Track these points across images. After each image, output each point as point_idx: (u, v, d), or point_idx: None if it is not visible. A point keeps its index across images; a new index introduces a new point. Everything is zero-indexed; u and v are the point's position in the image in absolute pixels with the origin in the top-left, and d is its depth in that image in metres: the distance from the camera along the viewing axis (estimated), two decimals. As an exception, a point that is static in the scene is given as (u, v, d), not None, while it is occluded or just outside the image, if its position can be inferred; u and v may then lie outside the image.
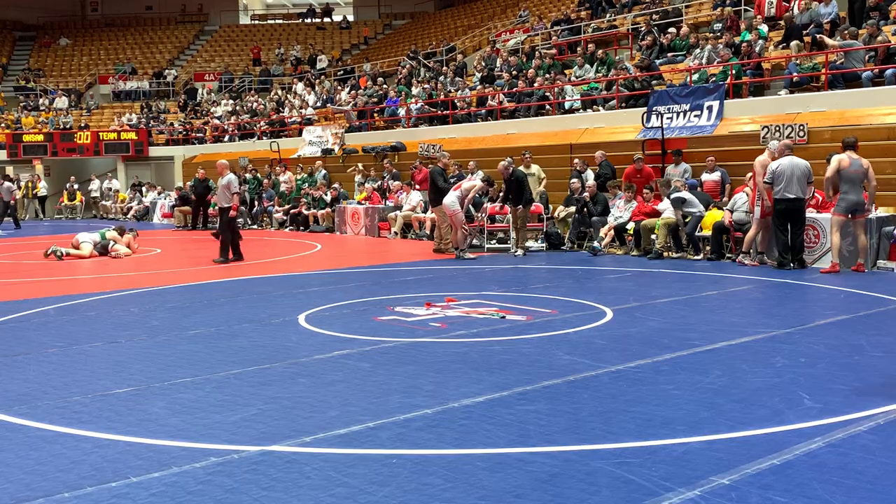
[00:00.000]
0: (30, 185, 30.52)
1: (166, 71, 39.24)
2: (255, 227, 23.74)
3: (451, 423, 4.89)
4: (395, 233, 18.87)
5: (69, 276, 12.97)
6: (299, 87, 32.63)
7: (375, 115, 26.24)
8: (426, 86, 25.25)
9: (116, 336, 7.78)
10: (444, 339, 7.36)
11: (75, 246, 15.66)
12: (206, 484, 3.98)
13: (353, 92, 28.68)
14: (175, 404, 5.38)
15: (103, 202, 31.18)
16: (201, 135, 32.92)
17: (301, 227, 22.40)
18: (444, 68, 27.06)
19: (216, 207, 15.99)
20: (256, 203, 23.98)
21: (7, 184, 26.86)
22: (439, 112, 23.26)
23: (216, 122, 33.44)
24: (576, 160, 16.85)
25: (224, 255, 14.05)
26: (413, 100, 24.74)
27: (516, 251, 14.74)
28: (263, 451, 4.44)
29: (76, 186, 31.36)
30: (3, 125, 33.59)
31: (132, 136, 32.84)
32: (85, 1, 45.02)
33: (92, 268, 14.09)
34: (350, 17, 44.47)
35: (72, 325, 8.47)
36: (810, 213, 12.14)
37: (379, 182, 21.42)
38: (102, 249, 15.76)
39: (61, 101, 36.08)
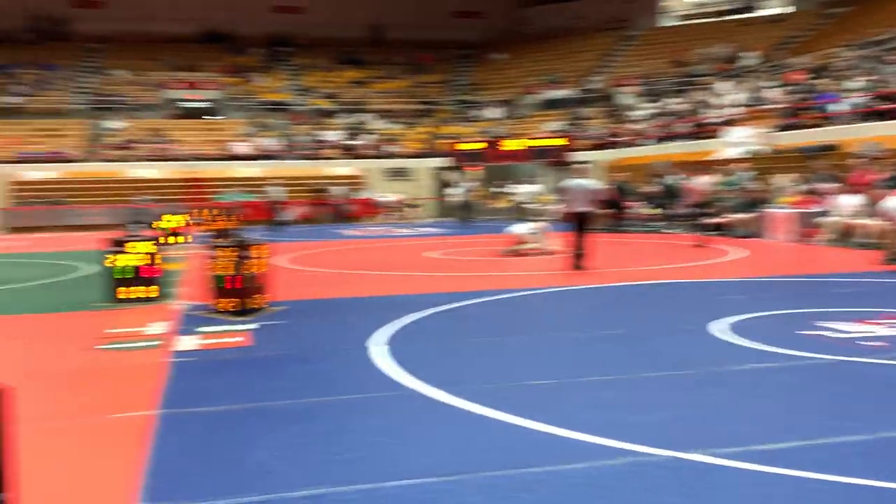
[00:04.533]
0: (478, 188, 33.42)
1: (589, 78, 40.65)
2: (668, 231, 23.55)
3: (886, 453, 4.39)
4: (827, 239, 17.41)
5: (507, 272, 14.01)
6: (722, 86, 31.65)
7: (806, 112, 24.45)
8: (867, 78, 22.89)
9: (538, 330, 8.22)
10: (879, 361, 6.62)
11: (518, 241, 16.75)
12: (620, 482, 4.06)
13: (782, 89, 27.07)
14: (591, 401, 5.56)
15: (527, 205, 33.22)
16: (621, 139, 33.55)
17: (718, 232, 21.68)
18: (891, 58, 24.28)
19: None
20: (671, 207, 23.75)
21: (463, 184, 29.74)
22: (883, 107, 20.93)
23: (636, 126, 33.82)
24: None
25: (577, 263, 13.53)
26: (851, 94, 22.59)
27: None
28: (676, 457, 4.40)
29: (504, 190, 33.85)
30: (446, 136, 37.54)
31: (557, 142, 34.55)
32: (522, 17, 48.37)
33: (527, 265, 15.02)
34: (783, 10, 41.94)
35: (502, 317, 9.11)
36: None
37: (809, 185, 19.93)
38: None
39: (494, 112, 39.28)
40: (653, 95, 36.64)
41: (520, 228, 17.13)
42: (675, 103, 33.43)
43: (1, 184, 32.46)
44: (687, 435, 4.76)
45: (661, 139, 31.18)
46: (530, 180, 34.41)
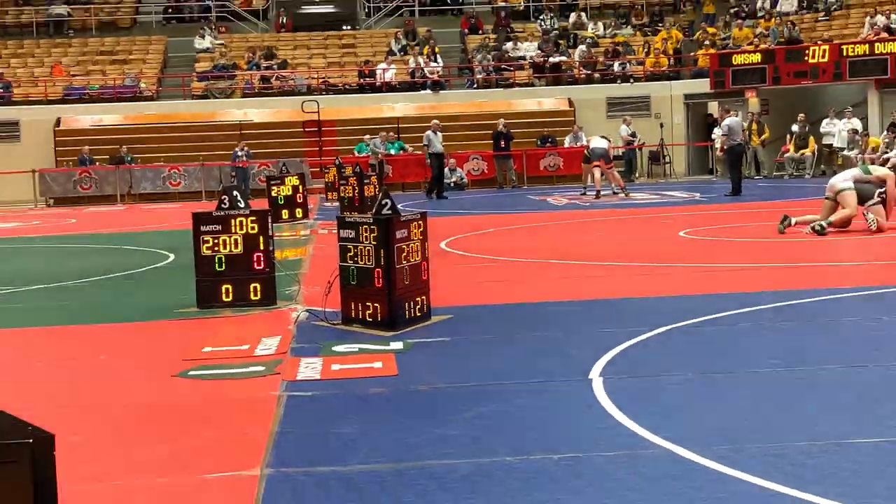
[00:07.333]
0: (754, 126, 22.51)
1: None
2: None
3: None
4: None
5: (815, 261, 9.78)
6: None
7: None
8: None
9: (864, 355, 5.65)
10: None
11: (836, 200, 11.12)
12: None
13: None
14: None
15: (844, 152, 24.42)
16: None
17: None
18: None
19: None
20: None
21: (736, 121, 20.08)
22: None
23: None
24: None
25: None
26: None
27: None
28: None
29: (806, 129, 22.24)
30: (706, 45, 25.49)
31: (894, 47, 22.38)
32: None
33: (851, 249, 10.76)
34: None
35: (795, 332, 6.40)
36: None
37: None
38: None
39: (786, 4, 26.02)
40: None
41: (842, 184, 12.15)
42: None
43: (41, 132, 23.07)
44: None
45: None
46: (848, 113, 26.08)
